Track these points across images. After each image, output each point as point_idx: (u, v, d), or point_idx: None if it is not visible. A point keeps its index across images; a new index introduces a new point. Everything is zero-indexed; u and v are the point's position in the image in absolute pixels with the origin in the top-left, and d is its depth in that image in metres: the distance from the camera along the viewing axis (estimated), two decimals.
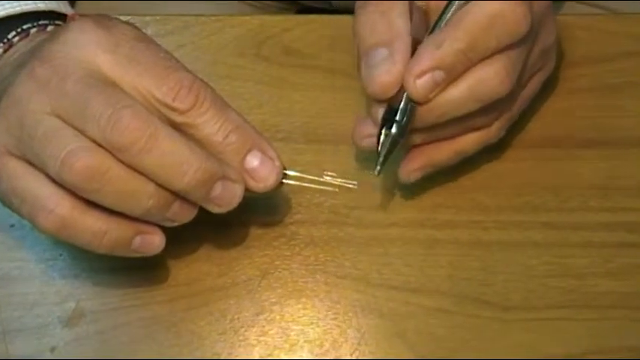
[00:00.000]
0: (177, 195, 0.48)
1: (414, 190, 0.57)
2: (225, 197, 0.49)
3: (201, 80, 0.49)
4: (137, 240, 0.49)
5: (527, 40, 0.52)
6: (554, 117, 0.60)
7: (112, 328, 0.54)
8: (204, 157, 0.47)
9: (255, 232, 0.56)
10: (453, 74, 0.51)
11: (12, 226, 0.56)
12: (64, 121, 0.46)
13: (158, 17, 0.63)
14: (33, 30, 0.55)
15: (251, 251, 0.56)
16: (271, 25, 0.63)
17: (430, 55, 0.50)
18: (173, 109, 0.48)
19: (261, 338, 0.54)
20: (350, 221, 0.57)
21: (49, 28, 0.55)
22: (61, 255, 0.56)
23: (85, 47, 0.47)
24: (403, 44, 0.52)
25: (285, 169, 0.51)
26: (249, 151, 0.50)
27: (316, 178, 0.53)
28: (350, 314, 0.54)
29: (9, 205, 0.49)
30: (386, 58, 0.51)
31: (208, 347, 0.54)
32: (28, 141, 0.47)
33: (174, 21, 0.63)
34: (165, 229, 0.50)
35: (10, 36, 0.54)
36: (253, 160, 0.50)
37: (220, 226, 0.55)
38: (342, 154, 0.58)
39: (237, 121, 0.49)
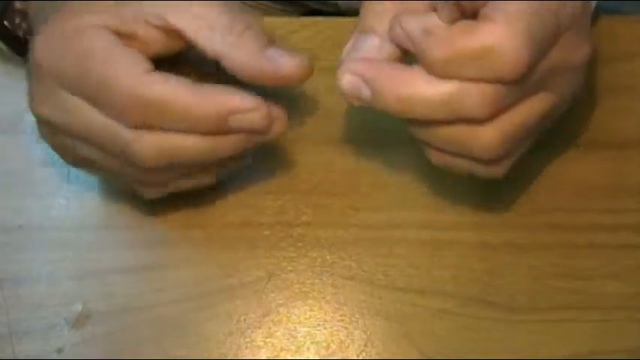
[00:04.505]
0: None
1: (419, 191, 0.57)
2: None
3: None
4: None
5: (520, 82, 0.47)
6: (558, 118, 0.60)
7: (119, 329, 0.54)
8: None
9: (261, 233, 0.56)
10: None
11: (20, 227, 0.56)
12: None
13: None
14: None
15: (257, 252, 0.56)
16: (276, 27, 0.63)
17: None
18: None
19: (268, 340, 0.54)
20: (356, 222, 0.57)
21: None
22: (67, 256, 0.56)
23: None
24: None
25: None
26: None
27: None
28: (357, 316, 0.54)
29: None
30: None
31: (215, 349, 0.54)
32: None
33: None
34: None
35: None
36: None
37: (227, 227, 0.55)
38: (349, 155, 0.58)
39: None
